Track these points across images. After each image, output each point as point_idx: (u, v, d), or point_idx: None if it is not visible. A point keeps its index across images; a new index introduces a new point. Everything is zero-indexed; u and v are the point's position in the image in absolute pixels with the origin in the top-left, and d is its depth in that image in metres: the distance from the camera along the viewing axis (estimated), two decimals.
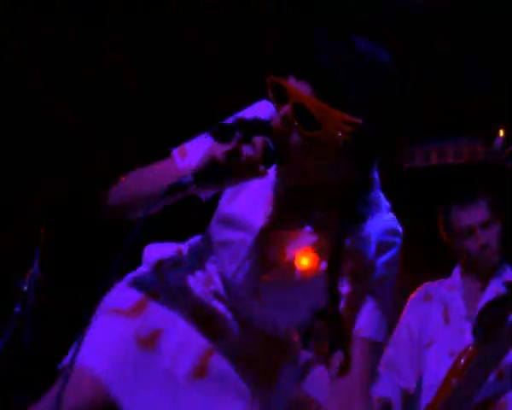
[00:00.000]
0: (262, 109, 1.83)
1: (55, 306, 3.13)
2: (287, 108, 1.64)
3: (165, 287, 2.00)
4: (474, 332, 2.88)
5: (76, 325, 2.26)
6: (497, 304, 2.90)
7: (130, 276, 2.05)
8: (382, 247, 1.77)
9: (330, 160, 1.68)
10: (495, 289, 3.09)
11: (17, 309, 2.24)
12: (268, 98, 1.73)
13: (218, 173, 1.63)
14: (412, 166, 4.92)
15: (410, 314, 3.27)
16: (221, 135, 1.65)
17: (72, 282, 3.83)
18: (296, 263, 1.78)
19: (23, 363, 2.28)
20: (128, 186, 1.94)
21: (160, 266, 2.04)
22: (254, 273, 1.85)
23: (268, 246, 1.82)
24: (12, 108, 4.49)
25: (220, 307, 1.96)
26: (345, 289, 1.75)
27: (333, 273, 1.72)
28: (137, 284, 2.00)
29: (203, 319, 1.96)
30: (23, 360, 2.25)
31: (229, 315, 1.96)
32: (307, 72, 1.62)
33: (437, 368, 3.03)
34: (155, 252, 2.08)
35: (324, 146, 1.64)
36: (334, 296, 1.72)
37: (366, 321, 1.75)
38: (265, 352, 2.00)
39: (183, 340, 1.93)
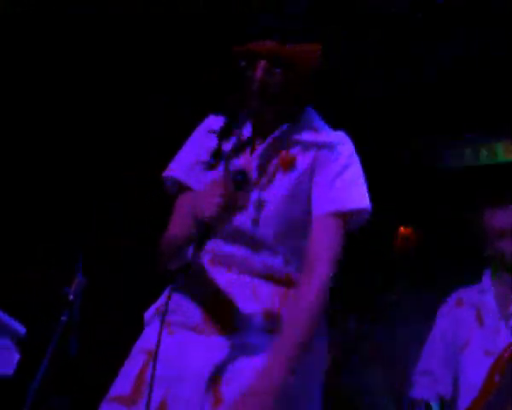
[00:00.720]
0: (214, 123, 2.27)
1: (100, 313, 3.14)
2: (263, 63, 2.07)
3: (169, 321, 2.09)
4: None
5: (120, 332, 2.27)
6: None
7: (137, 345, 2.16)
8: (341, 145, 2.18)
9: (300, 85, 2.15)
10: None
11: (64, 318, 2.21)
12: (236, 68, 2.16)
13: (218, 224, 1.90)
14: (445, 167, 4.96)
15: (443, 320, 3.30)
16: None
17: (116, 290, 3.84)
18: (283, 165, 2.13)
19: (68, 369, 2.27)
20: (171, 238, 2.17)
21: (157, 311, 2.17)
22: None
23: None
24: None
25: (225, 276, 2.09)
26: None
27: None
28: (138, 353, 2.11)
29: (218, 307, 2.05)
30: (69, 367, 2.24)
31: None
32: (272, 31, 2.09)
33: (474, 369, 3.05)
34: (151, 309, 2.24)
35: (298, 76, 2.12)
36: None
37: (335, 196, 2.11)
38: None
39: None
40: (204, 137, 2.29)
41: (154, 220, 2.53)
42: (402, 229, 5.51)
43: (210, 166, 2.18)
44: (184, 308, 2.12)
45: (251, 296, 2.08)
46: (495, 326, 3.12)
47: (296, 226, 2.12)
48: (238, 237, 2.12)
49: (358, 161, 2.21)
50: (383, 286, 5.07)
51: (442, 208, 5.15)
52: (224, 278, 2.10)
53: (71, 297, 2.26)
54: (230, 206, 1.90)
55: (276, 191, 2.12)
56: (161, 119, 4.83)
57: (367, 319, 6.02)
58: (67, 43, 4.59)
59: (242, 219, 2.08)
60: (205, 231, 1.85)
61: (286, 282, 2.12)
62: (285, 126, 2.19)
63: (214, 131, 2.25)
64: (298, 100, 2.21)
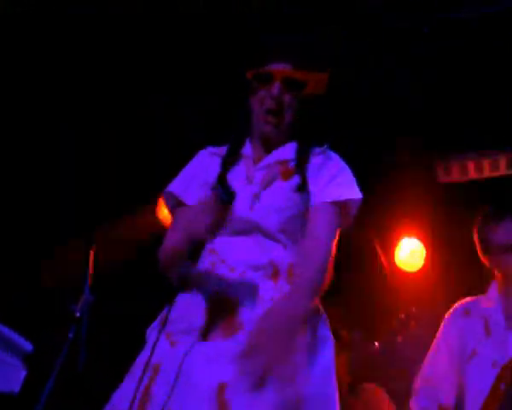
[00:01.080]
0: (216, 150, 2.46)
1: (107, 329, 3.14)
2: (277, 84, 2.32)
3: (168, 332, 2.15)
4: None
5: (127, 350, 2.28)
6: None
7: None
8: (334, 155, 2.41)
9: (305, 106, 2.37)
10: None
11: (70, 335, 2.23)
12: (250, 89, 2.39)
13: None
14: (449, 180, 4.96)
15: (449, 329, 3.28)
16: None
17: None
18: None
19: (75, 386, 2.28)
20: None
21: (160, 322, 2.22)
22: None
23: None
24: None
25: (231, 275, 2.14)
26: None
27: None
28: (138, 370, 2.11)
29: (221, 308, 2.09)
30: (77, 386, 2.25)
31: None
32: (287, 56, 2.33)
33: (481, 380, 3.04)
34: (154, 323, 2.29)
35: (305, 97, 2.35)
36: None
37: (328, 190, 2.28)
38: None
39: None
40: (208, 160, 2.43)
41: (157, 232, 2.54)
42: (406, 242, 5.52)
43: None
44: (188, 314, 2.15)
45: (253, 297, 2.11)
46: (502, 337, 3.11)
47: (295, 220, 2.24)
48: (243, 229, 2.21)
49: (349, 170, 2.40)
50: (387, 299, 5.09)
51: (447, 222, 5.16)
52: (226, 279, 2.14)
53: (77, 314, 2.27)
54: (219, 220, 2.03)
55: (274, 190, 2.26)
56: (162, 119, 4.82)
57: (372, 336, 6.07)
58: (67, 44, 4.57)
59: (246, 212, 2.21)
60: (198, 244, 2.08)
61: (288, 275, 2.17)
62: (293, 144, 2.38)
63: (220, 155, 2.41)
64: (302, 120, 2.40)
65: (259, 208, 2.24)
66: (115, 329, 3.80)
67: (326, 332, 2.21)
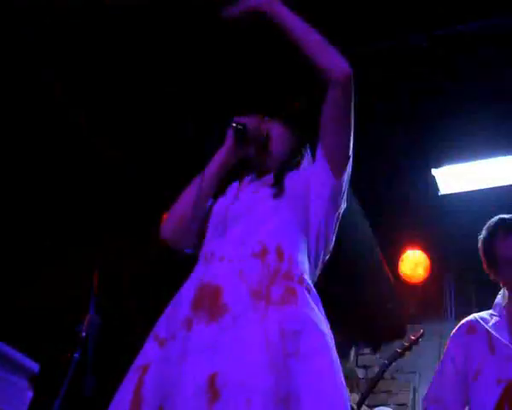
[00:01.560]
0: None
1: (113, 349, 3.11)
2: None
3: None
4: None
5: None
6: None
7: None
8: None
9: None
10: None
11: (76, 355, 2.21)
12: None
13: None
14: (451, 192, 4.96)
15: (455, 347, 3.24)
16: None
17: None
18: None
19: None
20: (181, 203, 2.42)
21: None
22: None
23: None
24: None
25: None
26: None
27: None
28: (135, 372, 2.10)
29: (206, 294, 2.08)
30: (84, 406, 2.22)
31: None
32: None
33: (485, 398, 2.99)
34: None
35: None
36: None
37: None
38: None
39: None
40: None
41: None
42: (409, 253, 5.51)
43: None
44: (175, 309, 2.15)
45: (237, 278, 2.11)
46: (507, 354, 3.09)
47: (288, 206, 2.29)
48: (232, 219, 2.28)
49: None
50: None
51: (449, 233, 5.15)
52: (213, 269, 2.16)
53: (83, 334, 2.25)
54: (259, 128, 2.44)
55: (261, 190, 2.38)
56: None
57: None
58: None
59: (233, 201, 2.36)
60: (243, 129, 2.39)
61: (277, 253, 2.17)
62: (277, 170, 2.45)
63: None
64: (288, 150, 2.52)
65: (247, 199, 2.34)
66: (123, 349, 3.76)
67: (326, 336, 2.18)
